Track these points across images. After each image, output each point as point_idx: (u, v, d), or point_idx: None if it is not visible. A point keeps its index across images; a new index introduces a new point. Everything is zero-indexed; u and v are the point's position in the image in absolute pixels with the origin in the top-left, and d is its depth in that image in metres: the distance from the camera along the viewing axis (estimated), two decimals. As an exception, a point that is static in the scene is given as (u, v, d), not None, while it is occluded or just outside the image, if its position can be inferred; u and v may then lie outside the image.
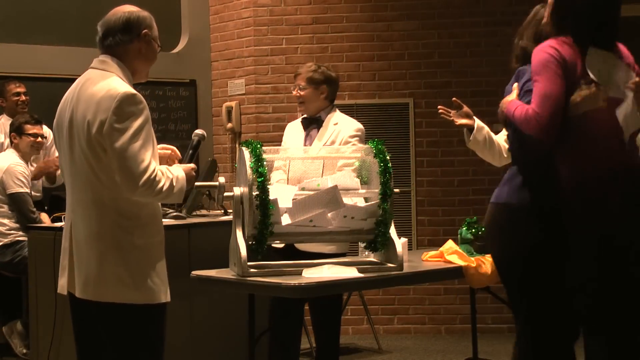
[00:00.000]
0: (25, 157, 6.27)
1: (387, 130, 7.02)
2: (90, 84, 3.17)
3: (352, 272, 3.92)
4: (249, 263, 3.88)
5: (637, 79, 3.31)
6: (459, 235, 4.64)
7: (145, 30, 3.25)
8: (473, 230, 4.59)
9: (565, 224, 3.31)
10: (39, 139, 6.29)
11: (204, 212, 5.72)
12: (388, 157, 3.99)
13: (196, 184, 4.08)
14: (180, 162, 3.43)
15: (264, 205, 3.80)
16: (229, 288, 4.19)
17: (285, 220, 3.89)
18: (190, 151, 3.60)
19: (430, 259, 4.50)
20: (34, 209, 6.10)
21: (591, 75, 3.27)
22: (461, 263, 4.38)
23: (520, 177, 3.44)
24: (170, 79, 7.54)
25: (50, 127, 5.93)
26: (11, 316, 6.11)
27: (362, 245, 4.30)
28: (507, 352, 6.01)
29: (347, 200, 3.98)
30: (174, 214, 5.26)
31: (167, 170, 3.16)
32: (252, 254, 3.90)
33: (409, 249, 4.89)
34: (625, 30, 3.50)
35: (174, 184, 3.15)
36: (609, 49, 3.37)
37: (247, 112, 7.37)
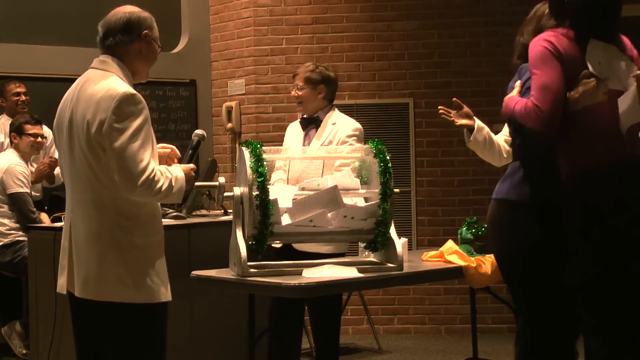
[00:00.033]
0: (25, 157, 6.27)
1: (387, 130, 7.02)
2: (90, 83, 3.17)
3: (352, 272, 3.92)
4: (249, 263, 3.88)
5: (639, 71, 3.31)
6: (459, 235, 4.64)
7: (146, 31, 3.26)
8: (473, 230, 4.59)
9: (565, 219, 3.31)
10: (39, 139, 6.29)
11: (204, 212, 5.72)
12: (388, 157, 3.99)
13: (196, 184, 4.09)
14: (180, 162, 3.43)
15: (264, 205, 3.80)
16: (229, 288, 4.19)
17: (285, 220, 3.89)
18: (190, 151, 3.60)
19: (430, 259, 4.50)
20: (34, 209, 6.10)
21: (590, 69, 3.26)
22: (461, 263, 4.38)
23: (521, 173, 3.44)
24: (170, 79, 7.54)
25: (50, 127, 5.93)
26: (11, 316, 6.10)
27: (362, 245, 4.29)
28: (507, 352, 6.02)
29: (347, 200, 3.98)
30: (174, 214, 5.26)
31: (166, 170, 3.16)
32: (252, 254, 3.90)
33: (409, 249, 4.89)
34: (625, 30, 3.50)
35: (173, 183, 3.15)
36: (610, 39, 3.35)
37: (247, 112, 7.37)
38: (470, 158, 6.15)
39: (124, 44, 3.24)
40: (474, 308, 5.18)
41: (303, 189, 4.05)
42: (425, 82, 7.13)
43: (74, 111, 3.17)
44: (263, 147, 3.94)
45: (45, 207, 6.52)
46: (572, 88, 3.27)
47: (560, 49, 3.28)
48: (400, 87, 7.16)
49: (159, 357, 3.22)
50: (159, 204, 3.27)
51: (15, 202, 6.04)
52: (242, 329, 4.52)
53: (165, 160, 3.39)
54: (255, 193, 3.82)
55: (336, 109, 4.89)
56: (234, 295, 4.81)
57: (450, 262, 4.40)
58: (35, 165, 6.47)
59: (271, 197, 3.82)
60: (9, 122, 6.45)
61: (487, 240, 4.45)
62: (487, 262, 4.40)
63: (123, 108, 3.07)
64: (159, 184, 3.09)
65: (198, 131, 3.72)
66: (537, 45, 3.31)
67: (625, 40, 3.46)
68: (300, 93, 4.81)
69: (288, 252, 4.58)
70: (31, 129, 6.25)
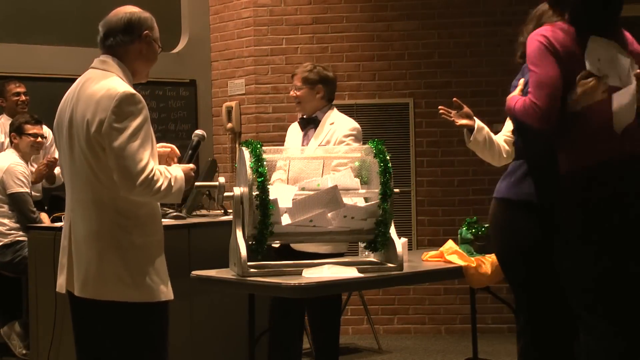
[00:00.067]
0: (25, 157, 6.27)
1: (387, 130, 7.02)
2: (90, 83, 3.18)
3: (352, 272, 3.92)
4: (249, 263, 3.88)
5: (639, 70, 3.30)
6: (459, 235, 4.64)
7: (147, 32, 3.26)
8: (473, 230, 4.59)
9: (564, 218, 3.31)
10: (39, 139, 6.29)
11: (204, 212, 5.72)
12: (388, 157, 4.00)
13: (196, 184, 4.10)
14: (180, 162, 3.43)
15: (264, 205, 3.80)
16: (229, 288, 4.19)
17: (285, 220, 3.89)
18: (190, 151, 3.60)
19: (430, 259, 4.50)
20: (34, 209, 6.10)
21: (589, 67, 3.25)
22: (461, 263, 4.38)
23: (520, 172, 3.44)
24: (170, 79, 7.54)
25: (50, 127, 5.94)
26: (11, 316, 6.10)
27: (362, 245, 4.30)
28: (507, 352, 6.02)
29: (347, 200, 3.98)
30: (174, 214, 5.26)
31: (166, 170, 3.17)
32: (252, 254, 3.90)
33: (409, 249, 4.89)
34: (625, 30, 3.49)
35: (172, 183, 3.15)
36: (610, 33, 3.34)
37: (247, 112, 7.37)
38: (470, 158, 6.15)
39: (124, 44, 3.24)
40: (474, 308, 5.18)
41: (303, 189, 4.05)
42: (425, 82, 7.13)
43: (74, 111, 3.18)
44: (263, 147, 3.95)
45: (45, 207, 6.52)
46: (570, 82, 3.26)
47: (555, 43, 3.27)
48: (400, 87, 7.16)
49: (160, 355, 3.22)
50: (158, 203, 3.27)
51: (16, 202, 6.04)
52: (242, 329, 4.52)
53: (165, 159, 3.39)
54: (255, 193, 3.82)
55: (335, 109, 4.89)
56: (234, 295, 4.81)
57: (450, 262, 4.40)
58: (35, 165, 6.47)
59: (271, 197, 3.82)
60: (9, 122, 6.45)
61: (488, 239, 4.46)
62: (487, 262, 4.41)
63: (123, 108, 3.07)
64: (158, 184, 3.09)
65: (198, 131, 3.72)
66: (533, 41, 3.32)
67: (628, 35, 3.44)
68: (298, 93, 4.83)
69: (286, 252, 4.58)
70: (31, 129, 6.25)
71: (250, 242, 3.89)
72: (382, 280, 4.05)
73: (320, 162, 4.63)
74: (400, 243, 4.01)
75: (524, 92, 3.41)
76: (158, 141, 3.28)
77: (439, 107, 4.42)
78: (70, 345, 3.55)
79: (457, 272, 4.40)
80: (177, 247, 4.85)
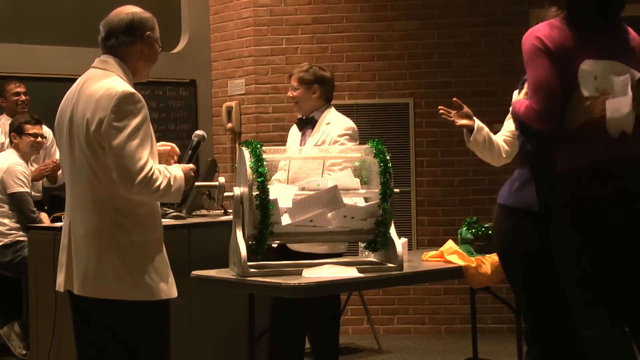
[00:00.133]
0: (25, 157, 6.27)
1: (387, 130, 7.02)
2: (90, 83, 3.18)
3: (352, 272, 3.92)
4: (249, 263, 3.88)
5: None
6: (459, 235, 4.64)
7: (148, 32, 3.27)
8: (473, 230, 4.59)
9: (563, 219, 3.30)
10: (39, 139, 6.29)
11: (204, 212, 5.72)
12: (388, 157, 4.00)
13: (196, 184, 4.10)
14: (180, 162, 3.44)
15: (264, 205, 3.80)
16: (229, 288, 4.19)
17: (285, 220, 3.89)
18: (190, 151, 3.60)
19: (430, 259, 4.50)
20: (35, 209, 6.10)
21: (586, 94, 3.23)
22: (461, 263, 4.38)
23: (522, 180, 3.43)
24: (170, 79, 7.54)
25: (50, 127, 5.95)
26: (11, 316, 6.10)
27: (362, 245, 4.30)
28: (507, 352, 6.02)
29: (347, 200, 3.98)
30: (174, 214, 5.26)
31: (165, 169, 3.17)
32: (252, 254, 3.90)
33: (409, 249, 4.89)
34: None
35: (172, 183, 3.16)
36: (606, 30, 3.32)
37: (247, 112, 7.37)
38: (470, 158, 6.14)
39: (126, 45, 3.25)
40: (474, 308, 5.18)
41: (303, 189, 4.05)
42: (425, 82, 7.13)
43: (74, 110, 3.18)
44: (263, 147, 3.95)
45: (45, 207, 6.52)
46: (568, 79, 3.24)
47: (548, 42, 3.25)
48: (400, 87, 7.16)
49: (160, 354, 3.22)
50: (158, 202, 3.27)
51: (16, 202, 6.04)
52: (242, 329, 4.52)
53: (165, 158, 3.40)
54: (255, 193, 3.82)
55: (332, 109, 4.89)
56: (234, 295, 4.81)
57: (450, 262, 4.40)
58: (35, 166, 6.47)
59: (271, 197, 3.82)
60: (9, 122, 6.45)
61: (488, 239, 4.47)
62: (487, 262, 4.41)
63: (122, 107, 3.07)
64: (157, 183, 3.09)
65: (198, 132, 3.72)
66: (527, 41, 3.31)
67: (630, 30, 3.41)
68: (294, 94, 4.85)
69: (283, 252, 4.59)
70: (31, 128, 6.25)
71: (250, 242, 3.89)
72: (382, 280, 4.05)
73: (320, 162, 4.64)
74: (400, 243, 4.01)
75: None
76: (157, 141, 3.29)
77: (439, 107, 4.42)
78: (70, 345, 3.55)
79: (457, 272, 4.40)
80: (177, 247, 4.84)
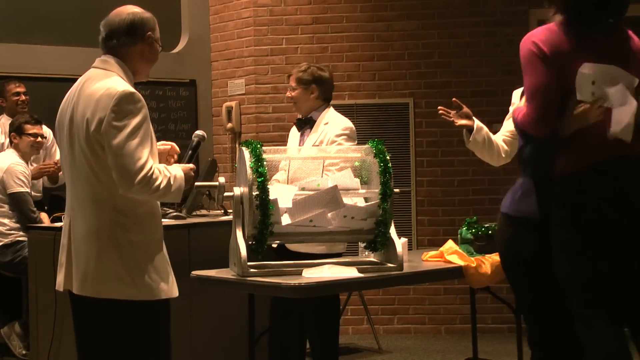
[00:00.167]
0: (25, 157, 6.28)
1: (387, 130, 7.02)
2: (91, 82, 3.19)
3: (352, 272, 3.92)
4: (249, 263, 3.88)
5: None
6: (459, 235, 4.64)
7: (149, 33, 3.27)
8: (473, 230, 4.59)
9: (562, 220, 3.30)
10: (39, 138, 6.29)
11: (204, 212, 5.72)
12: (388, 157, 4.00)
13: (196, 184, 4.10)
14: (180, 162, 3.44)
15: (264, 205, 3.80)
16: (229, 288, 4.19)
17: (285, 220, 3.89)
18: (190, 152, 3.61)
19: (430, 259, 4.50)
20: (35, 209, 6.10)
21: (579, 97, 3.21)
22: (461, 263, 4.38)
23: (524, 190, 3.43)
24: (170, 79, 7.54)
25: (50, 127, 5.95)
26: (11, 316, 6.10)
27: (362, 245, 4.30)
28: (507, 352, 6.02)
29: (347, 200, 3.98)
30: (174, 214, 5.26)
31: (165, 169, 3.17)
32: (252, 254, 3.90)
33: (409, 249, 4.89)
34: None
35: (172, 182, 3.16)
36: (605, 33, 3.31)
37: (247, 112, 7.38)
38: (470, 158, 6.15)
39: (127, 45, 3.25)
40: (474, 308, 5.18)
41: (303, 189, 4.05)
42: (425, 82, 7.13)
43: (74, 110, 3.18)
44: (263, 147, 3.95)
45: (45, 207, 6.52)
46: (565, 84, 3.23)
47: (545, 48, 3.23)
48: (400, 87, 7.16)
49: (161, 353, 3.22)
50: (158, 202, 3.28)
51: (16, 202, 6.04)
52: (242, 329, 4.52)
53: (165, 157, 3.40)
54: (255, 193, 3.82)
55: (331, 108, 4.89)
56: (234, 295, 4.81)
57: (450, 262, 4.40)
58: (35, 165, 6.47)
59: (271, 197, 3.82)
60: (9, 122, 6.45)
61: (488, 239, 4.48)
62: (487, 262, 4.41)
63: (122, 106, 3.08)
64: (157, 182, 3.09)
65: (198, 132, 3.73)
66: (524, 46, 3.29)
67: (632, 34, 3.40)
68: (293, 94, 4.86)
69: (282, 252, 4.59)
70: (31, 128, 6.25)
71: (250, 242, 3.89)
72: (382, 280, 4.05)
73: (319, 162, 4.64)
74: (400, 243, 4.01)
75: None
76: (157, 141, 3.29)
77: (439, 107, 4.42)
78: (70, 345, 3.55)
79: (457, 272, 4.40)
80: (177, 247, 4.84)
